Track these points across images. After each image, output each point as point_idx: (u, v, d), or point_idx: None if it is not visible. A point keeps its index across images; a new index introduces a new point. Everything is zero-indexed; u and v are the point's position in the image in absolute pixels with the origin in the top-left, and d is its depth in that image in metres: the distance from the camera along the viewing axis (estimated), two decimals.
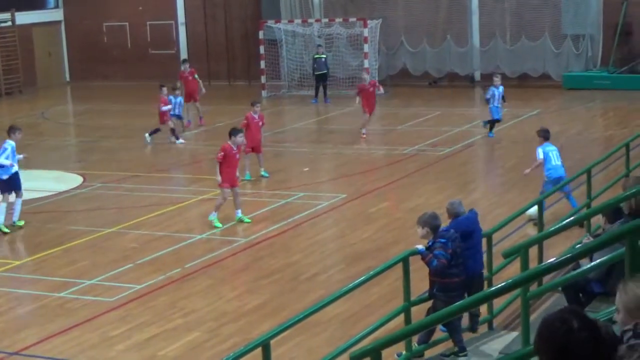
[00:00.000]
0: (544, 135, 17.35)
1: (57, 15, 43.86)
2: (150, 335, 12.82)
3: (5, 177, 18.43)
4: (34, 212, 19.87)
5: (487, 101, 25.20)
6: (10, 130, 18.94)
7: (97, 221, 18.95)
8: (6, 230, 18.25)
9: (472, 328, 11.70)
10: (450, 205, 11.95)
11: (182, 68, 30.36)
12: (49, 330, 13.18)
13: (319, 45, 35.24)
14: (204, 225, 18.32)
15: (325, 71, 34.41)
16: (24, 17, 41.37)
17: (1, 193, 18.48)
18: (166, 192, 21.13)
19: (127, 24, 42.57)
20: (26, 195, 20.79)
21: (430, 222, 11.12)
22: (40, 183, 22.34)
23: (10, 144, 18.58)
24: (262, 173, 22.11)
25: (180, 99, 28.06)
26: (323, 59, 34.50)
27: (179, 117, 28.09)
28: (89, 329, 13.18)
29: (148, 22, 42.11)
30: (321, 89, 34.24)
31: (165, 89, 26.73)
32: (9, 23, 40.81)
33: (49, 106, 36.87)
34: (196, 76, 29.84)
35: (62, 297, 14.49)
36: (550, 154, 16.99)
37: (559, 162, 17.02)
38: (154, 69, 41.30)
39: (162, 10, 41.64)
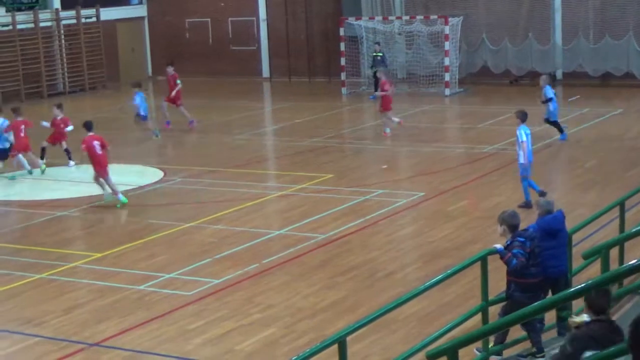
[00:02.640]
0: (522, 117, 18.48)
1: (140, 11, 44.39)
2: (227, 330, 12.92)
3: None
4: (113, 206, 20.13)
5: (548, 101, 24.66)
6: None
7: (177, 215, 19.16)
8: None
9: (560, 332, 11.47)
10: (542, 202, 11.83)
11: (168, 71, 30.34)
12: (128, 322, 13.36)
13: (377, 43, 35.18)
14: (282, 221, 18.40)
15: (379, 69, 34.44)
16: (108, 13, 41.99)
17: None
18: (245, 188, 21.25)
19: (209, 20, 42.91)
20: (108, 188, 21.14)
21: (508, 221, 11.02)
22: (121, 177, 22.60)
23: None
24: None
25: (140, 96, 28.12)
26: (380, 57, 34.49)
27: (144, 117, 28.19)
28: (167, 322, 13.33)
29: (229, 19, 42.40)
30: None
31: (57, 110, 25.33)
32: (94, 19, 41.45)
33: (131, 101, 37.25)
34: (178, 81, 29.77)
35: (141, 290, 14.67)
36: (529, 137, 18.18)
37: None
38: (235, 65, 41.63)
39: (244, 6, 41.89)
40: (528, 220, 13.20)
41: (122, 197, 19.88)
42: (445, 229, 17.38)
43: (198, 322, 13.26)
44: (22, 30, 38.79)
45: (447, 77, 33.75)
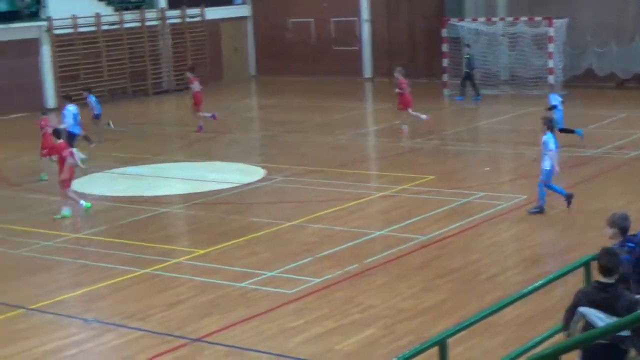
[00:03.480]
0: (549, 125, 18.34)
1: (244, 11, 44.83)
2: (327, 329, 12.99)
3: None
4: (218, 202, 20.44)
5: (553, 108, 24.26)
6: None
7: (278, 214, 19.32)
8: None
9: None
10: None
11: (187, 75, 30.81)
12: (230, 319, 13.53)
13: (467, 45, 34.95)
14: (383, 222, 18.43)
15: (468, 70, 34.33)
16: (213, 13, 42.53)
17: None
18: (346, 188, 21.32)
19: (312, 20, 43.13)
20: (211, 186, 21.50)
21: (619, 223, 10.82)
22: (224, 175, 22.95)
23: None
24: None
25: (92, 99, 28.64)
26: (467, 58, 34.35)
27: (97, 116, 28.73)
28: (268, 319, 13.46)
29: (332, 19, 42.55)
30: (468, 87, 34.29)
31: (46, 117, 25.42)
32: (199, 18, 42.04)
33: (234, 100, 37.79)
34: (191, 86, 30.35)
35: (243, 287, 14.85)
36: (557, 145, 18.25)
37: None
38: (336, 65, 41.74)
39: (346, 6, 41.97)
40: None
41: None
42: (547, 233, 17.21)
43: (298, 320, 13.37)
44: (129, 29, 39.56)
45: (551, 79, 33.32)
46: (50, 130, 22.73)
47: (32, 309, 14.20)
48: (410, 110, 27.64)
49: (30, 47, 36.57)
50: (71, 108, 25.25)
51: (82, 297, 14.82)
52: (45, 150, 23.32)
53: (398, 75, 28.09)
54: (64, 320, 13.83)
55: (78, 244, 17.83)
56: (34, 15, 36.72)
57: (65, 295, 14.91)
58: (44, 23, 36.69)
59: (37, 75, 36.72)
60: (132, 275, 15.69)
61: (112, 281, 15.42)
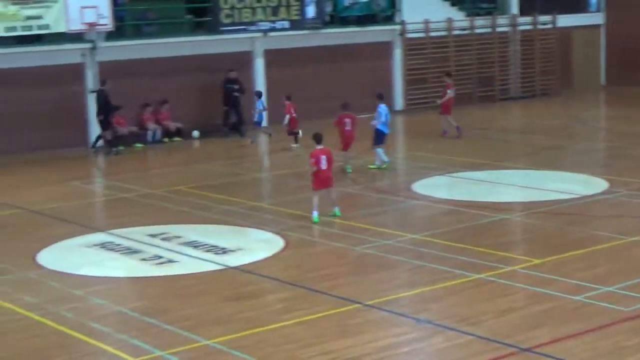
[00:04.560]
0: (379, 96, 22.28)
1: (597, 18, 43.80)
2: None
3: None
4: (557, 212, 20.11)
5: None
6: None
7: (620, 228, 18.71)
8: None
9: None
10: None
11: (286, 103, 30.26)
12: (562, 331, 13.27)
13: None
14: None
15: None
16: (564, 20, 41.86)
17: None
18: None
19: None
20: (551, 195, 21.20)
21: None
22: (565, 185, 22.56)
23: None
24: None
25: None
26: None
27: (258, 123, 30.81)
28: (601, 336, 13.07)
29: None
30: None
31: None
32: (550, 25, 41.55)
33: (583, 109, 37.03)
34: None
35: (577, 301, 14.52)
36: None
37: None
38: None
39: None
40: None
41: None
42: None
43: (633, 339, 12.87)
44: (479, 34, 39.79)
45: None
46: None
47: (368, 305, 14.62)
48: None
49: (383, 50, 37.68)
50: (383, 107, 25.81)
51: (416, 297, 15.08)
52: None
53: (446, 80, 29.08)
54: (397, 318, 14.13)
55: (416, 244, 18.15)
56: (389, 19, 37.79)
57: (400, 294, 15.23)
58: (398, 27, 37.68)
59: (388, 78, 37.76)
60: (466, 279, 15.78)
61: (446, 284, 15.57)
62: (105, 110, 29.80)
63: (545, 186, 22.63)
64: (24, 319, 14.53)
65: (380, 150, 25.41)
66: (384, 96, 27.05)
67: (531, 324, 13.64)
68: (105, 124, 29.94)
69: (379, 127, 25.42)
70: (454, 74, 37.43)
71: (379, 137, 25.43)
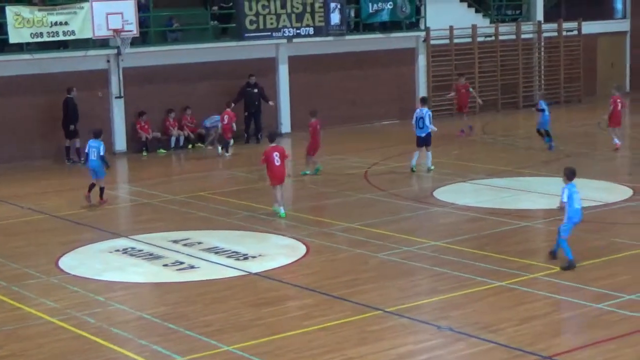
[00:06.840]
0: (569, 175, 16.94)
1: (623, 25, 43.63)
2: None
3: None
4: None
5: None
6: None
7: None
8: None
9: None
10: None
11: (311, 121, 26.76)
12: (583, 339, 13.24)
13: None
14: None
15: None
16: (590, 27, 41.75)
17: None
18: None
19: None
20: None
21: None
22: (588, 192, 22.38)
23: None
24: None
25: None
26: None
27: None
28: (624, 344, 13.00)
29: None
30: None
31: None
32: (575, 32, 41.43)
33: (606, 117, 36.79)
34: (471, 89, 32.96)
35: (599, 309, 14.46)
36: (574, 195, 16.39)
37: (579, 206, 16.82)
38: None
39: None
40: None
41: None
42: None
43: None
44: (503, 41, 39.71)
45: None
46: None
47: (389, 312, 14.61)
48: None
49: (407, 56, 37.65)
50: (426, 110, 26.24)
51: (438, 304, 15.05)
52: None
53: (613, 92, 29.05)
54: (418, 325, 14.10)
55: (438, 251, 18.12)
56: (414, 26, 37.76)
57: (422, 301, 15.21)
58: (422, 33, 37.63)
59: (411, 84, 37.73)
60: (487, 286, 15.73)
61: (468, 291, 15.54)
62: (73, 118, 29.79)
63: None
64: (46, 323, 14.61)
65: (417, 154, 25.71)
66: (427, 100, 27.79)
67: (553, 331, 13.60)
68: (73, 133, 29.90)
69: (417, 132, 25.67)
70: (477, 81, 37.47)
71: (423, 140, 25.93)
